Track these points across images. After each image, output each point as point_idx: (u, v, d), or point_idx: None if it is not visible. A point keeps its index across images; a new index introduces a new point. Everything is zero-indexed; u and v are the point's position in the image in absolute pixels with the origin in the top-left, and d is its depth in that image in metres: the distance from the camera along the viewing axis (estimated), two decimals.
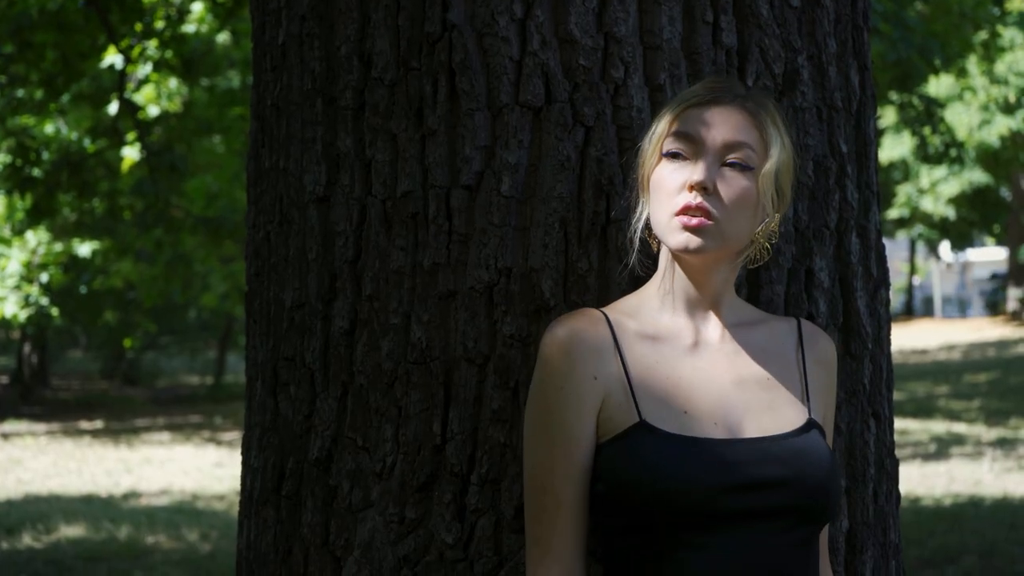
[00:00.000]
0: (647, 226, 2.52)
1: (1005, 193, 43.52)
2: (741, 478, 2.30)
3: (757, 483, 2.31)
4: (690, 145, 2.38)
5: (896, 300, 56.54)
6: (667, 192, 2.39)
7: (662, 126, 2.44)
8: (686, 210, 2.35)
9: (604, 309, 2.48)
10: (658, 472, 2.29)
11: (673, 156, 2.40)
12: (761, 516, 2.31)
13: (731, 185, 2.36)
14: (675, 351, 2.44)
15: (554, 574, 2.37)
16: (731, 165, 2.37)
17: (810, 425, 2.45)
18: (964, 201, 40.74)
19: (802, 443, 2.40)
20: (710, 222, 2.35)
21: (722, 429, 2.37)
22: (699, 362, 2.45)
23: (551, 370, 2.39)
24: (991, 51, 25.02)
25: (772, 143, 2.42)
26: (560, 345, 2.39)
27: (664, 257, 2.48)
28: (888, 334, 3.09)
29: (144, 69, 14.23)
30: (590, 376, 2.38)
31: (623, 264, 2.66)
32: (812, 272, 2.89)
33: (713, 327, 2.49)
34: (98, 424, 25.37)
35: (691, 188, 2.35)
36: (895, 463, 3.07)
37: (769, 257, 2.57)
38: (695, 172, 2.35)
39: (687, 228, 2.35)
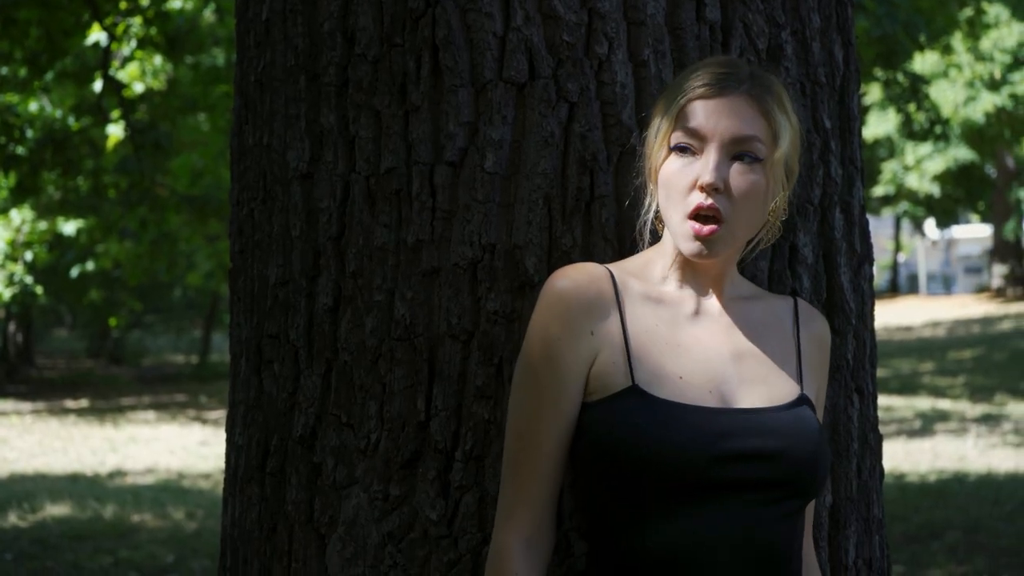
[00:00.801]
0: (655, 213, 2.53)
1: (990, 170, 43.60)
2: (731, 448, 2.31)
3: (746, 454, 2.31)
4: (698, 140, 2.37)
5: (881, 277, 56.64)
6: (677, 190, 2.38)
7: (669, 118, 2.41)
8: (697, 211, 2.34)
9: (609, 266, 2.48)
10: (648, 437, 2.28)
11: (681, 150, 2.38)
12: (749, 487, 2.31)
13: (741, 180, 2.35)
14: (676, 317, 2.45)
15: (524, 521, 2.38)
16: (739, 158, 2.36)
17: (802, 400, 2.46)
18: (949, 178, 40.80)
19: (793, 417, 2.41)
20: (720, 226, 2.35)
21: (715, 398, 2.38)
22: (698, 331, 2.45)
23: (548, 320, 2.39)
24: (976, 28, 25.05)
25: (780, 131, 2.41)
26: (560, 296, 2.39)
27: (670, 238, 2.48)
28: (872, 310, 3.09)
29: (128, 47, 14.18)
30: (587, 331, 2.37)
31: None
32: (796, 248, 2.89)
33: (714, 299, 2.49)
34: (83, 403, 25.35)
35: (701, 189, 2.35)
36: (878, 438, 3.08)
37: (780, 235, 2.58)
38: (705, 172, 2.34)
39: (698, 237, 2.35)
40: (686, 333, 2.44)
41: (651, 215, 2.53)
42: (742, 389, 2.41)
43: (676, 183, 2.37)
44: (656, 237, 2.56)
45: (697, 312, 2.47)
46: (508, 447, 2.42)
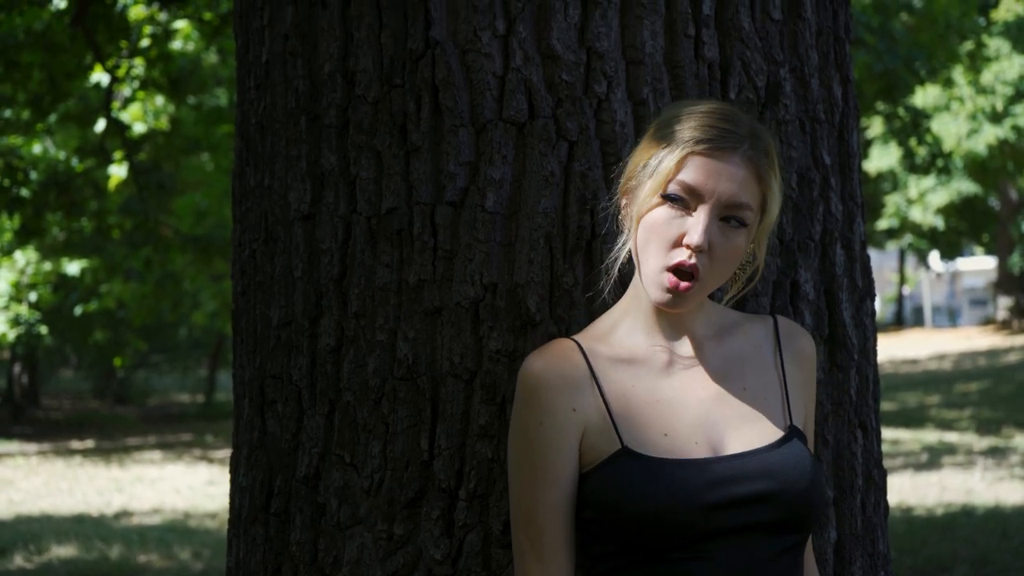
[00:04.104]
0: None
1: (994, 202, 43.62)
2: (726, 496, 2.31)
3: (741, 500, 2.32)
4: (693, 196, 2.35)
5: (886, 310, 56.63)
6: (662, 240, 2.36)
7: (667, 164, 2.37)
8: (679, 267, 2.33)
9: (576, 337, 2.48)
10: (644, 497, 2.29)
11: (674, 201, 2.36)
12: (747, 530, 2.32)
13: (725, 243, 2.35)
14: (651, 372, 2.44)
15: None
16: (727, 220, 2.35)
17: (791, 434, 2.45)
18: (953, 211, 40.85)
19: (784, 454, 2.40)
20: (697, 283, 2.34)
21: (704, 447, 2.37)
22: (676, 381, 2.45)
23: (530, 406, 2.39)
24: (977, 61, 25.11)
25: (771, 199, 2.41)
26: (536, 380, 2.39)
27: (638, 281, 2.47)
28: (874, 345, 3.09)
29: (130, 87, 14.23)
30: (568, 408, 2.38)
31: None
32: (797, 284, 2.90)
33: (688, 342, 2.48)
34: (89, 443, 25.32)
35: (687, 247, 2.33)
36: (883, 474, 3.08)
37: (747, 287, 2.58)
38: (694, 233, 2.32)
39: (672, 290, 2.35)
40: (664, 387, 2.43)
41: (623, 253, 2.52)
42: (730, 433, 2.41)
43: (662, 233, 2.36)
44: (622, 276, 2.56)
45: (671, 362, 2.46)
46: (517, 530, 2.41)
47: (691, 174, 2.35)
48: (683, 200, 2.35)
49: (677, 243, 2.35)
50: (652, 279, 2.37)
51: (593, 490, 2.35)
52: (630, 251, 2.48)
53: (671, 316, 2.46)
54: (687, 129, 2.39)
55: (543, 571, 2.37)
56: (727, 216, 2.35)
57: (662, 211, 2.37)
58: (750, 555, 2.32)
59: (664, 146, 2.39)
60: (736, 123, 2.40)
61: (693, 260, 2.33)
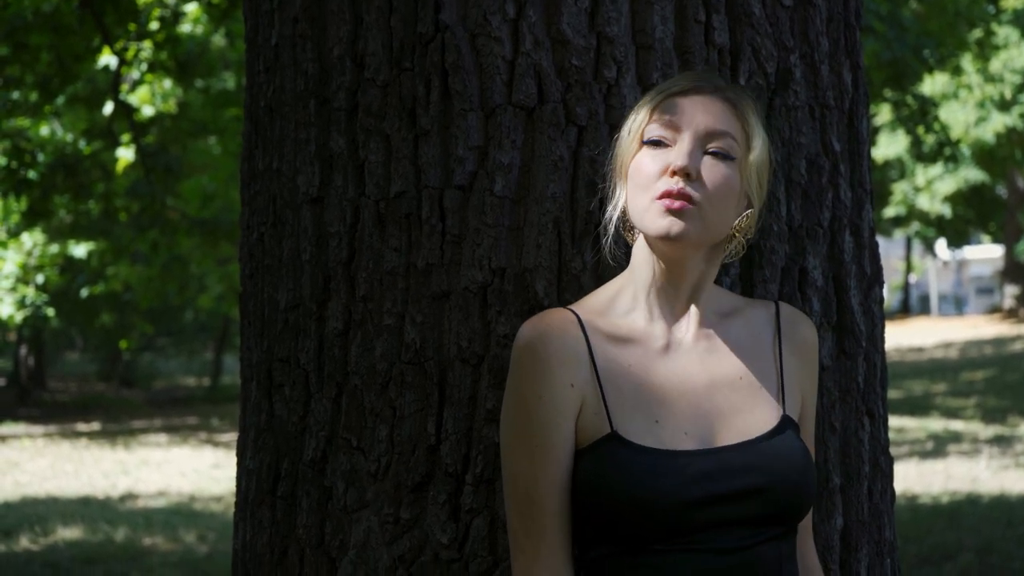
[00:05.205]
0: (622, 219, 2.49)
1: (1001, 190, 43.58)
2: (713, 491, 2.28)
3: (730, 495, 2.29)
4: (672, 131, 2.34)
5: (893, 298, 56.62)
6: (647, 177, 2.34)
7: (642, 115, 2.39)
8: (667, 195, 2.30)
9: (573, 307, 2.44)
10: (630, 486, 2.26)
11: (654, 144, 2.35)
12: (735, 524, 2.29)
13: (714, 173, 2.32)
14: (647, 354, 2.40)
15: None
16: (713, 154, 2.33)
17: (784, 424, 2.41)
18: (960, 199, 40.84)
19: (776, 446, 2.37)
20: (692, 206, 2.29)
21: (693, 439, 2.34)
22: (672, 365, 2.41)
23: (528, 378, 2.35)
24: (986, 49, 25.07)
25: (754, 135, 2.38)
26: (535, 351, 2.35)
27: (639, 251, 2.44)
28: (882, 332, 3.09)
29: (139, 70, 14.23)
30: (567, 383, 2.34)
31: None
32: (806, 271, 2.89)
33: (687, 325, 2.44)
34: (95, 426, 25.38)
35: (673, 173, 2.30)
36: (889, 461, 3.07)
37: (743, 253, 2.53)
38: (678, 157, 2.30)
39: (670, 211, 2.29)
40: (658, 371, 2.39)
41: (617, 212, 2.48)
42: (720, 424, 2.37)
43: (646, 170, 2.34)
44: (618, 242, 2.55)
45: (668, 345, 2.42)
46: (512, 507, 2.37)
47: (667, 112, 2.36)
48: (663, 141, 2.35)
49: (663, 174, 2.32)
50: (646, 213, 2.33)
51: (583, 470, 2.33)
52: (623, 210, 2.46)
53: (671, 296, 2.42)
54: (661, 84, 2.44)
55: (544, 550, 2.34)
56: (712, 150, 2.33)
57: (646, 154, 2.36)
58: (738, 547, 2.29)
59: (640, 104, 2.42)
60: (710, 75, 2.45)
61: (680, 184, 2.30)
